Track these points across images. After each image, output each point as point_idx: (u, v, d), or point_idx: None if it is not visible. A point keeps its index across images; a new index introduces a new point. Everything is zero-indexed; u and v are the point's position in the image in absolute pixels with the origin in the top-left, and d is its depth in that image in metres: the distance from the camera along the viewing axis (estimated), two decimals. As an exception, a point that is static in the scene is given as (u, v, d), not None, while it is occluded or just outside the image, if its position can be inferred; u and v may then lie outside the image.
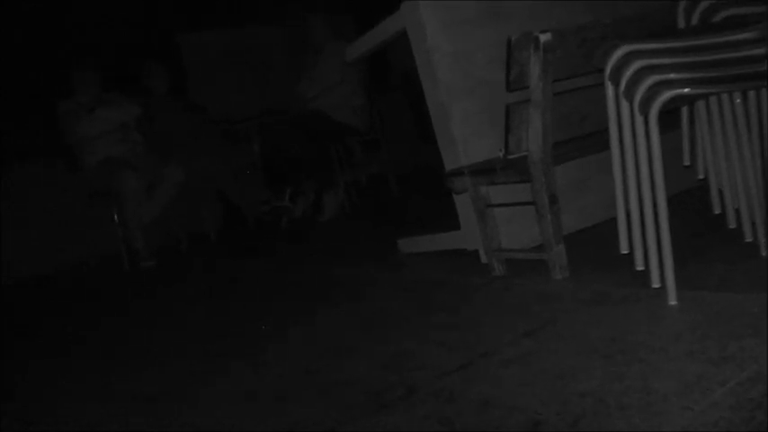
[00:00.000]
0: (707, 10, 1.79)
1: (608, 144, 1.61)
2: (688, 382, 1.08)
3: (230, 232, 4.99)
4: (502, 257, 2.09)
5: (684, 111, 1.86)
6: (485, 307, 1.86)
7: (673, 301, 1.45)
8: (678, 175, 1.93)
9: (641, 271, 1.60)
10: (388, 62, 5.77)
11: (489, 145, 2.19)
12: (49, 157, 4.95)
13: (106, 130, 4.45)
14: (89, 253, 5.05)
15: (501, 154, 1.93)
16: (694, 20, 1.81)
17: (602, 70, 1.58)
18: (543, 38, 1.72)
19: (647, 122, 1.45)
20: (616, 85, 1.54)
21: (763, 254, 1.68)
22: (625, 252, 1.65)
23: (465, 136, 2.23)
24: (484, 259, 2.20)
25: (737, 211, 1.78)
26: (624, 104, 1.52)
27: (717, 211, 1.87)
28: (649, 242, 1.50)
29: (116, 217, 4.48)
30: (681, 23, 1.84)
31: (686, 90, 1.43)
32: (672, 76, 1.44)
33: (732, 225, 1.84)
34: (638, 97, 1.46)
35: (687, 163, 1.87)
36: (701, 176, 1.85)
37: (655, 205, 1.46)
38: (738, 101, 1.69)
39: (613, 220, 1.67)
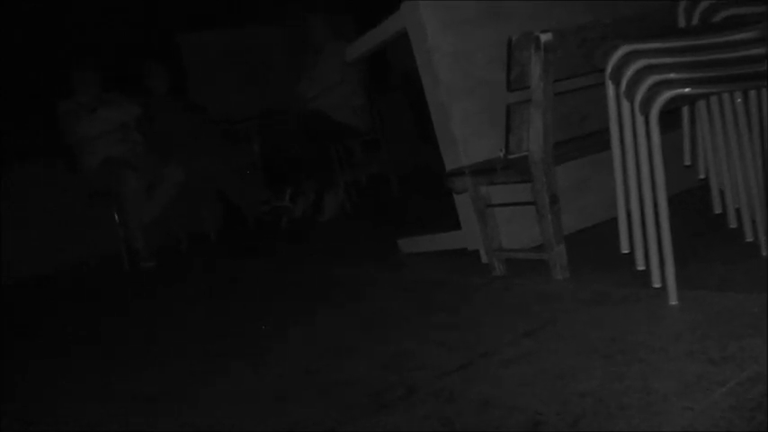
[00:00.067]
0: (707, 10, 1.79)
1: (608, 144, 1.61)
2: (688, 382, 1.07)
3: (230, 232, 4.99)
4: (502, 257, 2.09)
5: (685, 110, 1.85)
6: (485, 307, 1.85)
7: (673, 301, 1.45)
8: (679, 175, 1.93)
9: (642, 271, 1.60)
10: (388, 62, 5.76)
11: (490, 145, 2.19)
12: (49, 157, 4.95)
13: (106, 130, 4.44)
14: (89, 253, 5.05)
15: (501, 154, 1.93)
16: (694, 20, 1.81)
17: (602, 70, 1.58)
18: (544, 38, 1.72)
19: (647, 122, 1.45)
20: (617, 84, 1.53)
21: (764, 254, 1.68)
22: (626, 252, 1.65)
23: (465, 136, 2.23)
24: (484, 259, 2.20)
25: (738, 211, 1.78)
26: (625, 104, 1.52)
27: (717, 210, 1.87)
28: (650, 242, 1.50)
29: (116, 217, 4.48)
30: (681, 23, 1.83)
31: (687, 90, 1.43)
32: (672, 75, 1.44)
33: (733, 225, 1.84)
34: (638, 97, 1.46)
35: (688, 163, 1.87)
36: (702, 176, 1.85)
37: (655, 205, 1.46)
38: (739, 100, 1.69)
39: (614, 220, 1.67)
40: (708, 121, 1.75)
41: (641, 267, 1.60)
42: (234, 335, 2.15)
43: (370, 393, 1.35)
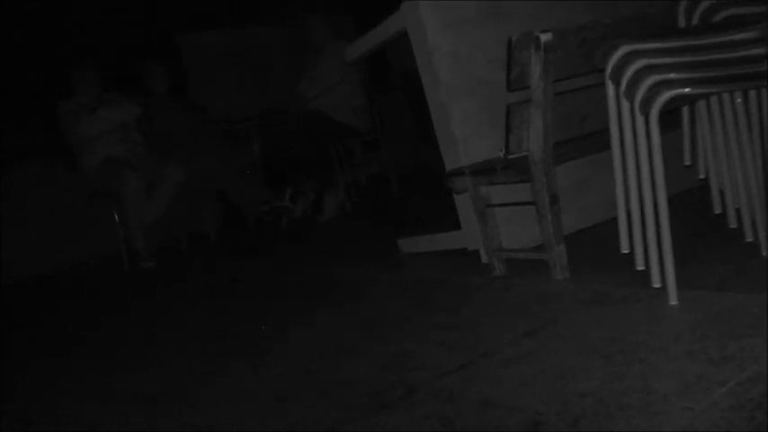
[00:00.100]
0: (707, 10, 1.79)
1: (608, 144, 1.61)
2: (688, 382, 1.07)
3: (230, 232, 4.99)
4: (502, 257, 2.09)
5: (685, 110, 1.85)
6: (485, 307, 1.85)
7: (673, 301, 1.45)
8: (679, 175, 1.93)
9: (642, 271, 1.60)
10: (388, 62, 5.76)
11: (490, 145, 2.19)
12: (49, 157, 4.95)
13: (106, 130, 4.44)
14: (89, 253, 5.05)
15: (501, 154, 1.93)
16: (695, 20, 1.81)
17: (602, 70, 1.58)
18: (544, 38, 1.72)
19: (647, 122, 1.45)
20: (617, 84, 1.53)
21: (764, 254, 1.67)
22: (626, 252, 1.65)
23: (465, 136, 2.23)
24: (484, 259, 2.20)
25: (738, 211, 1.78)
26: (625, 104, 1.52)
27: (717, 210, 1.87)
28: (650, 242, 1.50)
29: (116, 217, 4.48)
30: (681, 23, 1.83)
31: (687, 90, 1.43)
32: (672, 75, 1.44)
33: (733, 225, 1.84)
34: (638, 97, 1.46)
35: (688, 162, 1.87)
36: (702, 176, 1.85)
37: (655, 205, 1.46)
38: (739, 100, 1.69)
39: (614, 220, 1.67)
40: (708, 121, 1.75)
41: (641, 267, 1.60)
42: (234, 335, 2.15)
43: (370, 393, 1.35)
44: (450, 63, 2.21)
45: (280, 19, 6.63)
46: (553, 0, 2.35)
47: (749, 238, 1.74)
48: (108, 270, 4.63)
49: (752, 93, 1.70)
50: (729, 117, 1.70)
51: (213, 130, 4.91)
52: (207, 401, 1.57)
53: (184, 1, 6.18)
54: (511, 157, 1.89)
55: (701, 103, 1.74)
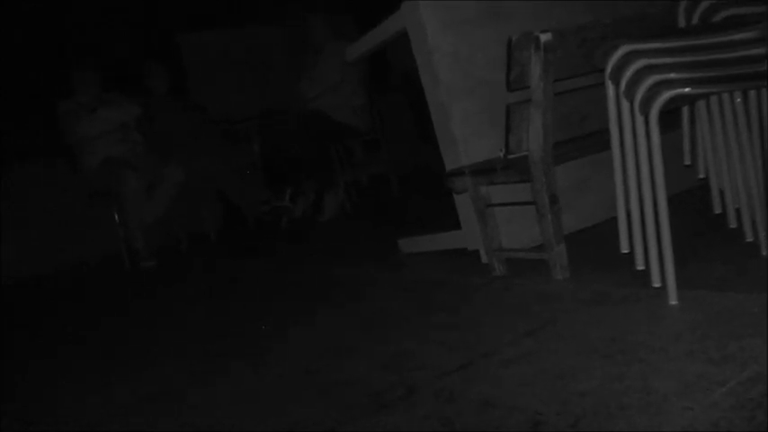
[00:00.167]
0: (707, 10, 1.79)
1: (608, 144, 1.61)
2: (688, 382, 1.07)
3: (230, 232, 4.99)
4: (502, 257, 2.09)
5: (685, 110, 1.85)
6: (485, 307, 1.85)
7: (673, 301, 1.45)
8: (679, 175, 1.93)
9: (641, 271, 1.60)
10: (388, 62, 5.76)
11: (490, 145, 2.19)
12: (49, 157, 4.96)
13: (106, 130, 4.45)
14: (89, 253, 5.05)
15: (501, 154, 1.93)
16: (695, 20, 1.81)
17: (602, 70, 1.58)
18: (544, 38, 1.72)
19: (647, 122, 1.45)
20: (616, 84, 1.53)
21: (764, 253, 1.68)
22: (626, 252, 1.65)
23: (465, 136, 2.23)
24: (484, 259, 2.20)
25: (738, 211, 1.78)
26: (625, 104, 1.52)
27: (717, 210, 1.87)
28: (650, 242, 1.50)
29: (116, 217, 4.48)
30: (681, 23, 1.83)
31: (687, 90, 1.43)
32: (672, 75, 1.44)
33: (733, 225, 1.84)
34: (638, 97, 1.46)
35: (688, 162, 1.87)
36: (702, 176, 1.85)
37: (655, 205, 1.46)
38: (739, 100, 1.69)
39: (614, 220, 1.67)
40: (708, 121, 1.75)
41: (641, 267, 1.60)
42: (234, 335, 2.15)
43: (370, 393, 1.35)
44: (450, 63, 2.21)
45: (280, 19, 6.63)
46: (553, 0, 2.35)
47: (749, 238, 1.74)
48: (108, 270, 4.63)
49: (752, 93, 1.70)
50: (729, 117, 1.70)
51: (213, 130, 4.92)
52: (207, 401, 1.57)
53: (184, 1, 6.19)
54: (511, 157, 1.89)
55: (701, 103, 1.74)
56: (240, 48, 6.69)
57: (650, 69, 1.46)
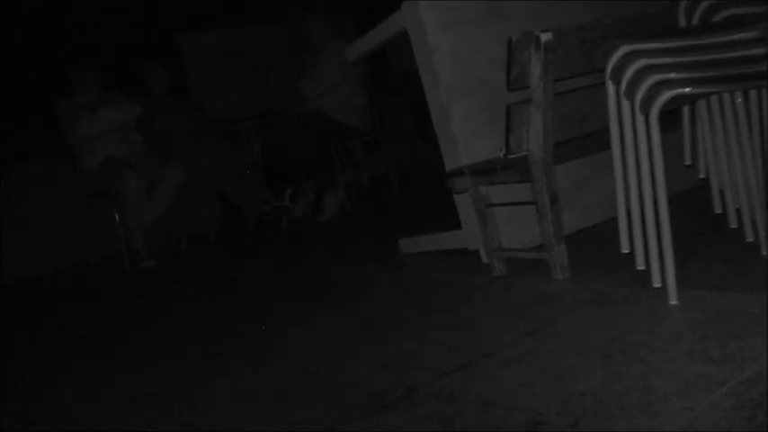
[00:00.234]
0: (707, 10, 1.79)
1: (608, 144, 1.61)
2: (688, 382, 1.07)
3: (230, 232, 4.98)
4: (502, 257, 2.09)
5: (685, 110, 1.85)
6: (485, 307, 1.85)
7: (673, 301, 1.45)
8: (679, 175, 1.93)
9: (642, 270, 1.60)
10: (388, 62, 5.76)
11: (490, 145, 2.19)
12: (49, 157, 4.95)
13: (106, 130, 4.45)
14: (89, 253, 5.05)
15: (501, 154, 1.93)
16: (695, 20, 1.81)
17: (602, 70, 1.58)
18: (544, 37, 1.72)
19: (647, 122, 1.45)
20: (617, 84, 1.53)
21: (764, 253, 1.67)
22: (626, 251, 1.65)
23: (465, 136, 2.23)
24: (484, 259, 2.20)
25: (738, 211, 1.78)
26: (625, 104, 1.52)
27: (718, 210, 1.87)
28: (650, 241, 1.50)
29: (116, 217, 4.48)
30: (681, 23, 1.83)
31: (687, 90, 1.43)
32: (672, 75, 1.44)
33: (733, 225, 1.84)
34: (638, 97, 1.46)
35: (688, 162, 1.87)
36: (702, 176, 1.85)
37: (655, 204, 1.46)
38: (739, 100, 1.69)
39: (614, 220, 1.67)
40: (708, 121, 1.75)
41: (641, 267, 1.60)
42: (234, 335, 2.15)
43: (370, 393, 1.35)
44: (451, 63, 2.21)
45: (280, 19, 6.63)
46: (553, 0, 2.35)
47: (749, 238, 1.74)
48: (108, 270, 4.63)
49: (752, 92, 1.70)
50: (730, 117, 1.70)
51: (213, 130, 4.91)
52: (207, 401, 1.57)
53: (184, 1, 6.18)
54: (511, 156, 1.89)
55: (702, 103, 1.74)
56: (240, 48, 6.69)
57: (650, 69, 1.46)
